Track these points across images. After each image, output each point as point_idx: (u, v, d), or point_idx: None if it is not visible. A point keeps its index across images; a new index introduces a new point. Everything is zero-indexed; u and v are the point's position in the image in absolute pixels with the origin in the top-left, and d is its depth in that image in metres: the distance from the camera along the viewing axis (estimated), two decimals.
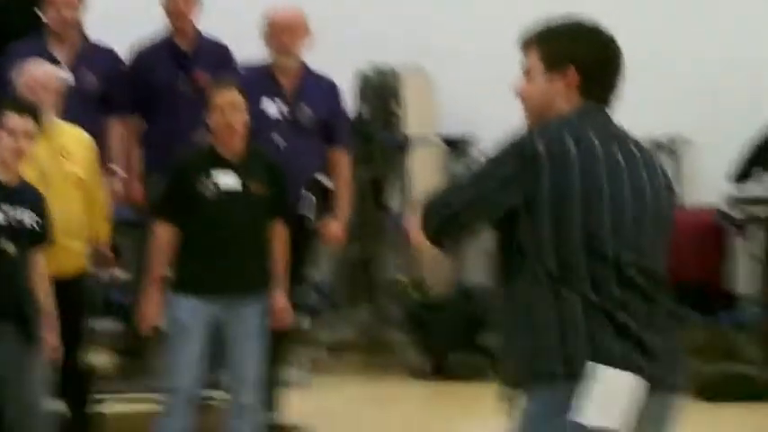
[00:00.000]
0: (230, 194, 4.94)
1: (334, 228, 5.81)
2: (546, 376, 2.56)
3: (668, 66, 7.35)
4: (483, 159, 2.69)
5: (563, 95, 2.69)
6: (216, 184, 4.93)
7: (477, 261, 7.71)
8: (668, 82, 7.37)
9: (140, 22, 6.55)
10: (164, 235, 5.02)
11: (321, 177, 5.84)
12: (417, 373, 7.22)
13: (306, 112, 5.67)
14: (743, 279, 7.04)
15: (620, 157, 2.63)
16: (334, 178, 5.88)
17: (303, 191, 5.66)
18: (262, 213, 5.04)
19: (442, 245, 2.72)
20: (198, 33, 6.25)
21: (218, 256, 4.93)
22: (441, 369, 7.18)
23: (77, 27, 6.05)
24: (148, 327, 5.11)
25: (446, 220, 2.64)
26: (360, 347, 7.68)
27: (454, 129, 8.09)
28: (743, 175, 7.18)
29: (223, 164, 4.96)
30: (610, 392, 2.50)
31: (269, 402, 5.43)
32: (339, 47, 7.74)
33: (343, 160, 5.90)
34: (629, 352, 2.54)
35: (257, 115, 5.38)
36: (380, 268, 7.88)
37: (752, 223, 7.00)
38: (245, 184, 4.96)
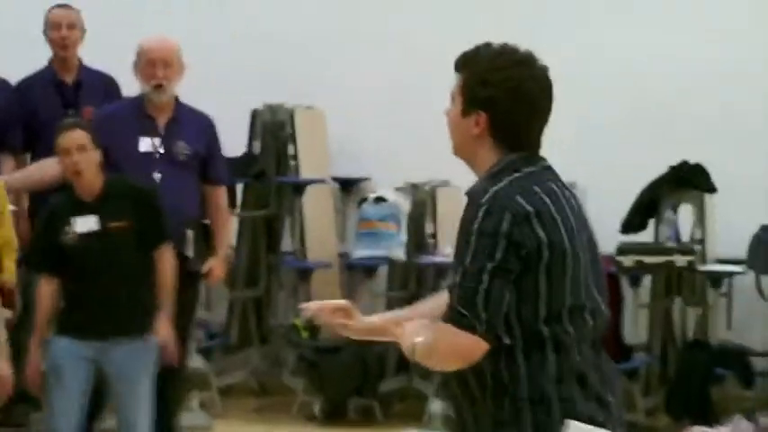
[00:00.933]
0: (89, 238, 4.90)
1: (216, 266, 5.70)
2: None
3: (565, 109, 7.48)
4: (468, 241, 2.56)
5: (476, 136, 2.66)
6: (74, 230, 4.89)
7: (369, 304, 7.75)
8: (564, 126, 7.51)
9: (24, 52, 6.47)
10: (43, 286, 5.02)
11: (200, 215, 5.77)
12: (312, 418, 7.13)
13: (181, 147, 5.56)
14: (633, 328, 7.20)
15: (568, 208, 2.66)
16: (213, 215, 5.80)
17: (185, 230, 5.55)
18: (129, 250, 4.98)
19: (498, 336, 2.57)
20: (82, 65, 6.13)
21: (89, 299, 4.93)
22: (336, 414, 7.11)
23: None
24: (32, 376, 5.03)
25: (490, 315, 2.53)
26: (253, 390, 7.59)
27: (346, 168, 8.09)
28: (632, 224, 7.35)
29: (82, 207, 4.92)
30: None
31: None
32: (233, 86, 7.86)
33: (221, 197, 5.83)
34: (595, 412, 2.59)
35: (131, 152, 5.36)
36: (273, 310, 7.82)
37: (641, 271, 7.15)
38: (105, 225, 4.91)
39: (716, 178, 7.14)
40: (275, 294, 7.84)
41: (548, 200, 2.59)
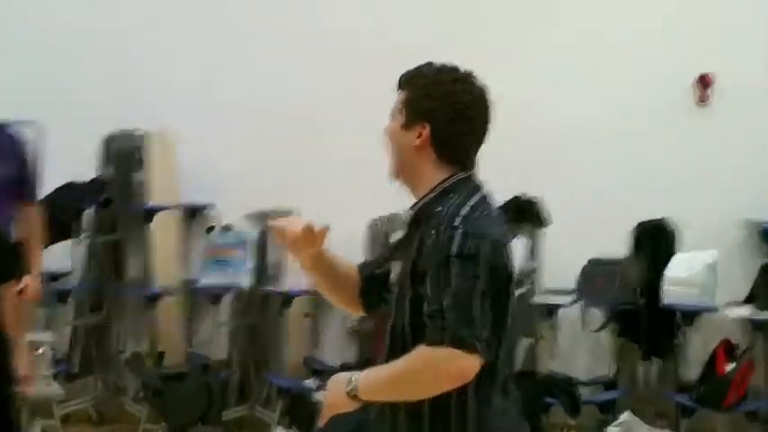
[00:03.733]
0: None
1: (31, 284, 5.43)
2: None
3: None
4: (447, 263, 2.55)
5: (417, 148, 2.74)
6: None
7: (210, 334, 7.84)
8: None
9: None
10: None
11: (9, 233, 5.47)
12: None
13: None
14: None
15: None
16: (27, 233, 5.56)
17: None
18: None
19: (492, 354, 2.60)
20: None
21: None
22: None
23: None
24: None
25: (489, 334, 2.55)
26: (92, 419, 7.56)
27: (194, 196, 8.12)
28: None
29: None
30: None
31: None
32: (88, 109, 7.88)
33: (32, 214, 5.61)
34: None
35: None
36: (116, 337, 7.78)
37: None
38: None
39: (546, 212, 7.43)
40: (119, 321, 7.82)
41: (506, 228, 2.71)
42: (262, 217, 7.74)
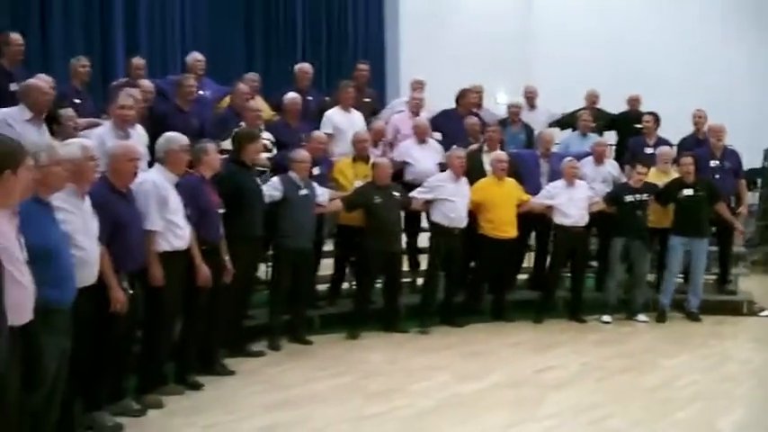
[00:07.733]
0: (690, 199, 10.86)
1: (723, 209, 11.03)
2: None
3: None
4: None
5: None
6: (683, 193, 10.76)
7: None
8: None
9: None
10: None
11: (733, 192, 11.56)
12: None
13: (726, 164, 11.37)
14: None
15: None
16: (738, 192, 11.71)
17: (728, 198, 11.43)
18: (708, 203, 10.75)
19: None
20: None
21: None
22: None
23: None
24: None
25: None
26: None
27: None
28: None
29: (686, 185, 10.82)
30: None
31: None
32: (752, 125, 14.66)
33: (741, 185, 11.66)
34: None
35: (707, 166, 11.42)
36: None
37: None
38: (697, 192, 10.73)
39: None
40: None
41: None
42: None
